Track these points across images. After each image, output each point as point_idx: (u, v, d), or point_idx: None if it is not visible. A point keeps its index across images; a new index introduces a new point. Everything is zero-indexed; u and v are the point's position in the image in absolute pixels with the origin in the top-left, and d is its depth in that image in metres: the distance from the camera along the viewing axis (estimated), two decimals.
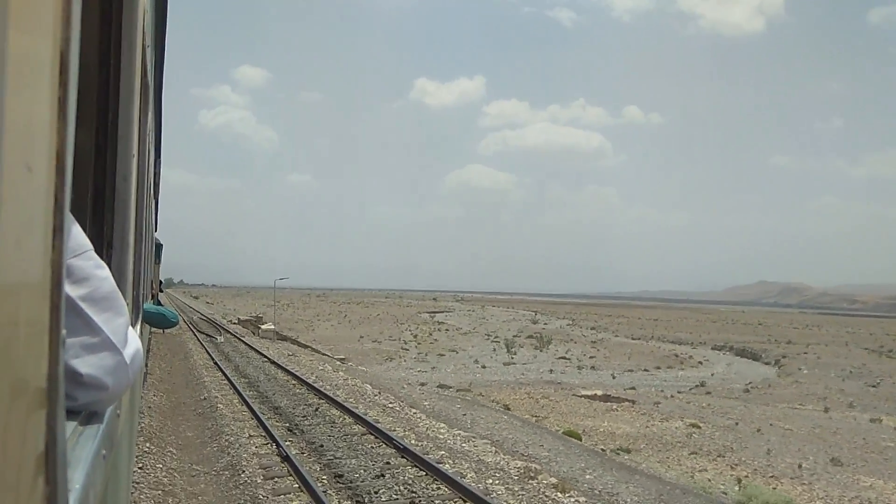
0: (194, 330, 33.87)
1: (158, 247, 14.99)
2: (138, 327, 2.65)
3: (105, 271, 1.27)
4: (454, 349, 52.29)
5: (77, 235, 1.21)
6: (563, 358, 48.15)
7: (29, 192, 0.57)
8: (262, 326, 40.42)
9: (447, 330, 78.12)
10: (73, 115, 0.71)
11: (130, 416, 2.40)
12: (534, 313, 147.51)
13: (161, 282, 22.52)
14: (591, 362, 46.51)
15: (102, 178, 1.98)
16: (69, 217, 0.80)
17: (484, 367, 42.90)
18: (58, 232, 0.67)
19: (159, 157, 7.22)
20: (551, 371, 38.90)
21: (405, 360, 43.64)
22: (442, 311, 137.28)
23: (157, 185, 7.90)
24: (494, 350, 52.42)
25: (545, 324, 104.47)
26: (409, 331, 74.65)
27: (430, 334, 71.35)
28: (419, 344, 57.30)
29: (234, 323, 46.39)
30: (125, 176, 1.99)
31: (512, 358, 48.16)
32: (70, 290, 1.14)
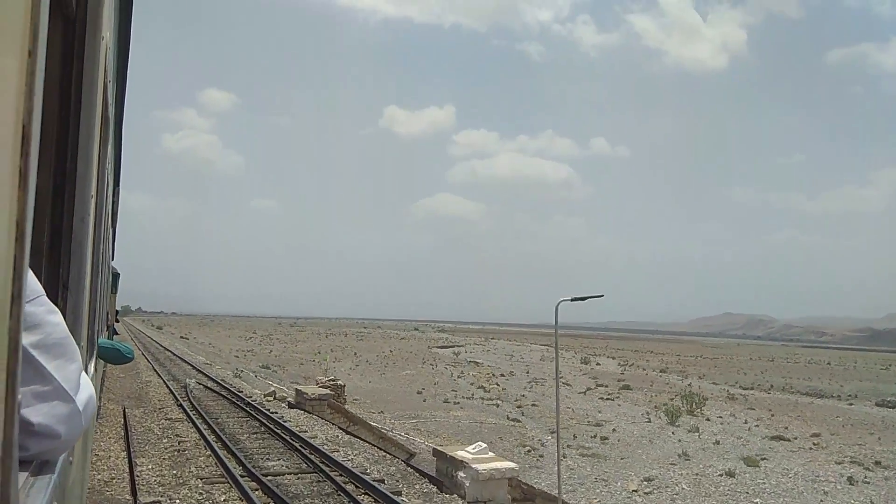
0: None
1: (115, 276, 14.32)
2: (93, 364, 2.62)
3: (57, 317, 1.24)
4: (580, 413, 34.65)
5: (29, 281, 1.14)
6: (780, 438, 30.39)
7: None
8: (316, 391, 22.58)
9: (498, 375, 59.85)
10: (33, 186, 0.72)
11: (83, 462, 2.35)
12: (563, 350, 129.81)
13: (117, 311, 20.60)
14: (827, 443, 29.26)
15: (60, 220, 1.90)
16: (27, 274, 0.81)
17: (686, 456, 24.78)
18: (16, 299, 0.67)
19: (118, 185, 7.00)
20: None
21: (540, 446, 25.34)
22: (452, 346, 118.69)
23: (115, 214, 7.80)
24: (645, 418, 34.47)
25: (597, 363, 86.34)
26: (456, 376, 56.18)
27: (489, 381, 53.16)
28: (501, 401, 39.32)
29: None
30: (83, 217, 1.95)
31: (695, 435, 30.22)
32: (21, 337, 1.13)
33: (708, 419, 35.22)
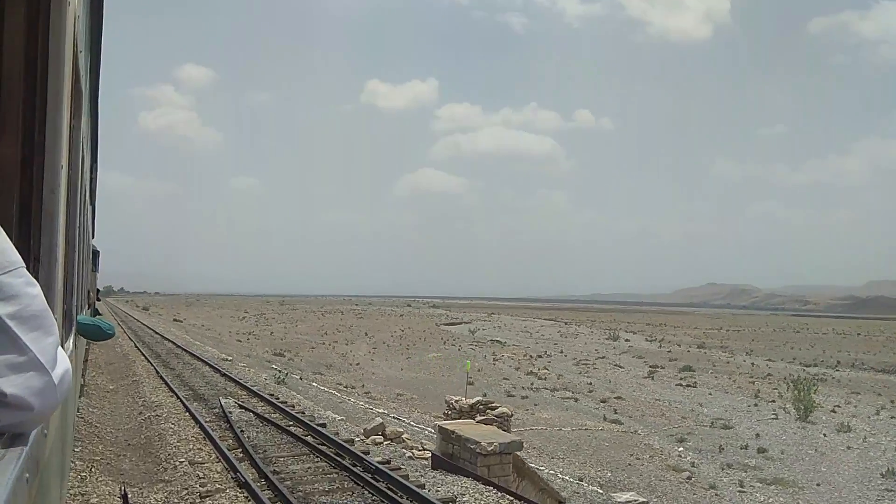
0: None
1: (95, 254, 13.96)
2: (71, 340, 2.55)
3: (36, 289, 1.24)
4: (680, 409, 28.13)
5: (7, 252, 1.20)
6: None
7: None
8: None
9: (534, 357, 53.30)
10: None
11: (62, 435, 2.35)
12: (564, 323, 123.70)
13: (99, 290, 19.22)
14: None
15: (29, 191, 1.87)
16: None
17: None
18: None
19: (95, 162, 6.73)
20: None
21: (690, 467, 18.69)
22: (460, 323, 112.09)
23: (93, 191, 7.56)
24: (762, 411, 28.09)
25: (626, 340, 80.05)
26: (492, 359, 49.56)
27: (531, 364, 46.59)
28: (572, 393, 32.84)
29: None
30: (53, 188, 1.92)
31: (850, 435, 23.81)
32: None
33: (833, 410, 28.98)
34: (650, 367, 48.93)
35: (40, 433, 1.36)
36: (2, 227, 1.28)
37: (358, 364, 42.62)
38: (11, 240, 1.32)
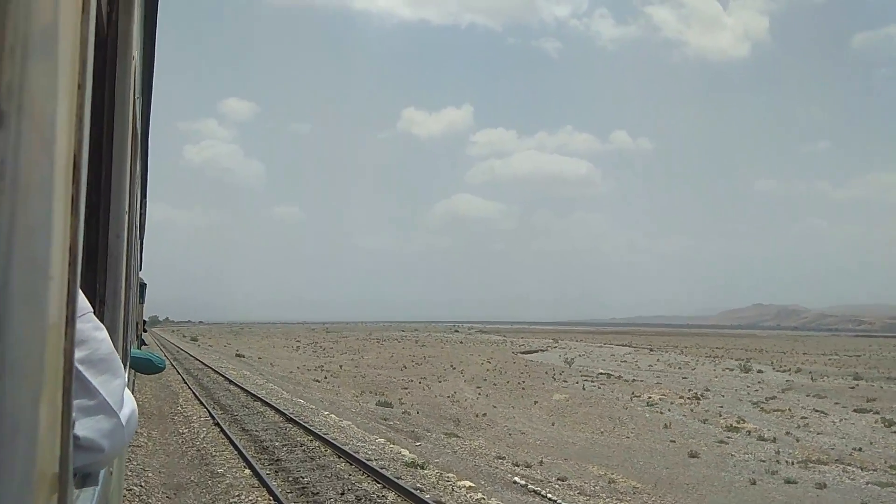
0: None
1: (143, 286, 14.30)
2: (126, 375, 2.54)
3: (103, 333, 1.29)
4: None
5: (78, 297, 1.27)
6: None
7: (45, 292, 0.60)
8: None
9: (687, 397, 41.81)
10: (82, 213, 0.75)
11: (119, 473, 2.34)
12: (647, 349, 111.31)
13: (145, 321, 19.69)
14: None
15: (96, 236, 1.95)
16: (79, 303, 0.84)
17: None
18: (70, 321, 0.70)
19: (145, 197, 7.08)
20: None
21: None
22: (536, 351, 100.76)
23: (142, 226, 7.79)
24: None
25: (759, 371, 67.53)
26: (641, 405, 38.26)
27: (701, 410, 35.24)
28: (843, 465, 21.80)
29: None
30: (118, 233, 2.00)
31: None
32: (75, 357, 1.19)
33: None
34: (857, 410, 37.10)
35: (107, 472, 1.41)
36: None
37: (485, 415, 31.73)
38: (80, 283, 1.27)
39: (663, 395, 42.19)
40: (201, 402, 18.81)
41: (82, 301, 1.22)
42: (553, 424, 30.28)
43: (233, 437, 12.63)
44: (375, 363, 66.68)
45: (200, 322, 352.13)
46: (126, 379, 1.41)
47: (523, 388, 44.21)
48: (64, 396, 0.67)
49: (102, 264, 1.95)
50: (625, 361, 79.98)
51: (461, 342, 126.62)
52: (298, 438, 13.11)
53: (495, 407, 35.60)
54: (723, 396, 43.41)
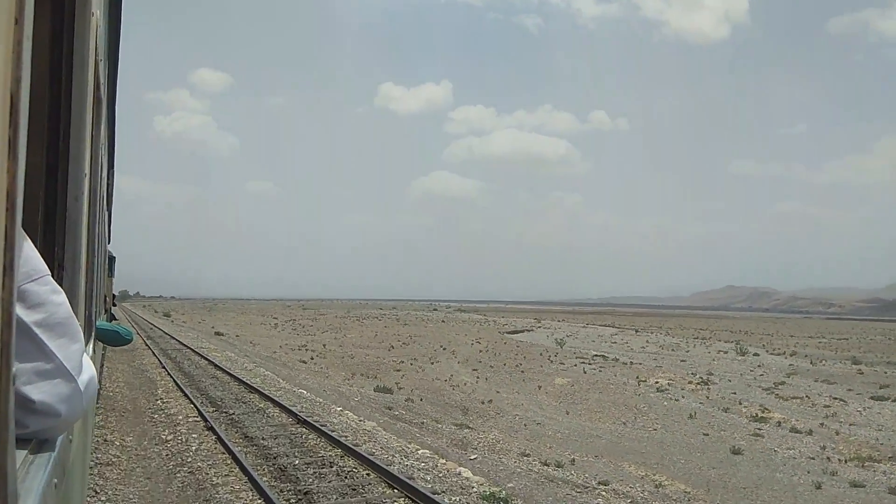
0: None
1: (111, 259, 14.28)
2: (91, 346, 2.47)
3: (61, 297, 1.26)
4: None
5: (34, 260, 1.22)
6: None
7: None
8: None
9: (692, 382, 39.78)
10: (23, 157, 0.73)
11: (83, 442, 2.36)
12: (633, 330, 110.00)
13: (115, 295, 19.49)
14: None
15: (53, 199, 1.91)
16: (22, 243, 0.84)
17: None
18: (7, 270, 0.68)
19: (112, 168, 7.07)
20: None
21: None
22: (522, 331, 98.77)
23: (109, 196, 7.75)
24: None
25: (755, 354, 65.97)
26: (651, 390, 36.09)
27: (718, 396, 33.14)
28: (874, 462, 19.75)
29: None
30: (77, 196, 1.95)
31: None
32: (25, 315, 1.16)
33: None
34: (874, 397, 35.32)
35: (66, 439, 1.39)
36: (28, 234, 1.25)
37: (491, 402, 29.23)
38: (36, 247, 1.30)
39: (671, 379, 40.08)
40: (186, 395, 15.80)
41: (39, 263, 1.21)
42: (567, 413, 27.89)
43: (237, 453, 9.57)
44: (360, 342, 63.92)
45: (172, 297, 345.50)
46: (85, 345, 1.36)
47: (522, 372, 41.80)
48: (2, 350, 0.65)
49: (61, 228, 1.90)
50: (615, 343, 78.20)
51: (443, 321, 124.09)
52: (323, 453, 10.15)
53: (498, 392, 33.12)
54: (730, 381, 41.44)
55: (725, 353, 67.45)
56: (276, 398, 15.88)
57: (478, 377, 39.03)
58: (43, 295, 1.19)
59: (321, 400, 18.69)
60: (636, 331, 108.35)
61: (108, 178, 5.98)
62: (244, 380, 18.94)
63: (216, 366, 22.40)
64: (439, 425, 21.42)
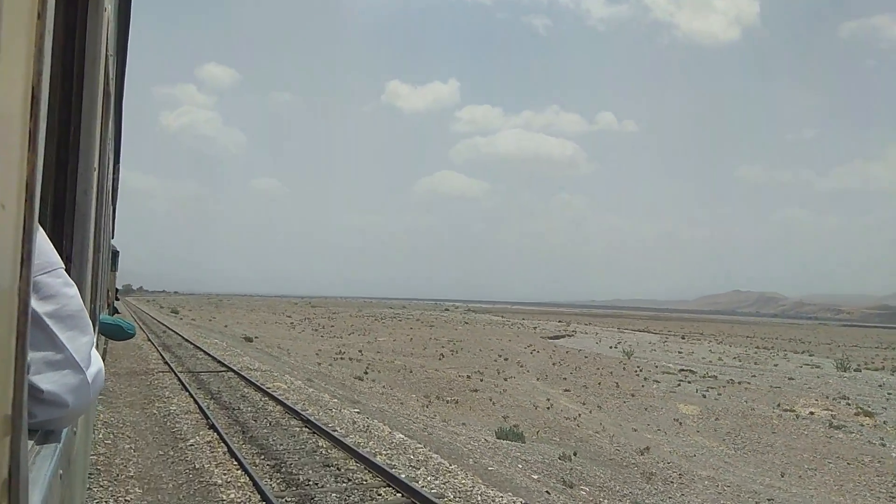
0: None
1: (115, 254, 13.95)
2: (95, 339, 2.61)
3: (73, 290, 1.28)
4: None
5: (47, 253, 1.24)
6: None
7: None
8: None
9: (858, 414, 31.26)
10: (41, 149, 0.73)
11: (85, 434, 2.34)
12: (679, 336, 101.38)
13: (118, 289, 19.28)
14: None
15: (63, 192, 1.93)
16: (37, 235, 0.86)
17: None
18: (25, 261, 0.68)
19: (118, 162, 6.94)
20: None
21: None
22: (561, 336, 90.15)
23: (115, 191, 7.64)
24: None
25: (857, 371, 57.18)
26: (813, 432, 27.57)
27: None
28: None
29: None
30: (86, 189, 1.98)
31: None
32: (37, 305, 1.18)
33: None
34: None
35: (70, 431, 1.39)
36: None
37: (647, 450, 20.66)
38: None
39: (827, 408, 31.50)
40: (251, 478, 7.61)
41: (53, 255, 1.23)
42: (780, 475, 19.30)
43: None
44: (398, 348, 55.38)
45: (175, 293, 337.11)
46: (95, 339, 1.36)
47: (631, 395, 33.23)
48: (18, 339, 0.66)
49: (69, 221, 1.92)
50: (681, 353, 69.39)
51: (465, 323, 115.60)
52: None
53: (635, 430, 24.66)
54: (884, 410, 32.93)
55: (815, 366, 58.87)
56: (419, 489, 7.46)
57: (583, 403, 30.52)
58: (55, 287, 1.20)
59: (455, 468, 10.20)
60: (682, 338, 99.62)
61: (114, 173, 5.79)
62: (355, 450, 10.33)
63: (286, 407, 13.83)
64: (607, 489, 12.95)
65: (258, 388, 15.75)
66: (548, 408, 27.79)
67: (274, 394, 14.83)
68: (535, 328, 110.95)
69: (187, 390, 14.84)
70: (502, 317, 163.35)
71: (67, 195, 1.92)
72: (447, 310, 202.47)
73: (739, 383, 41.55)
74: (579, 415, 26.68)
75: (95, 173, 2.05)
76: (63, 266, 1.26)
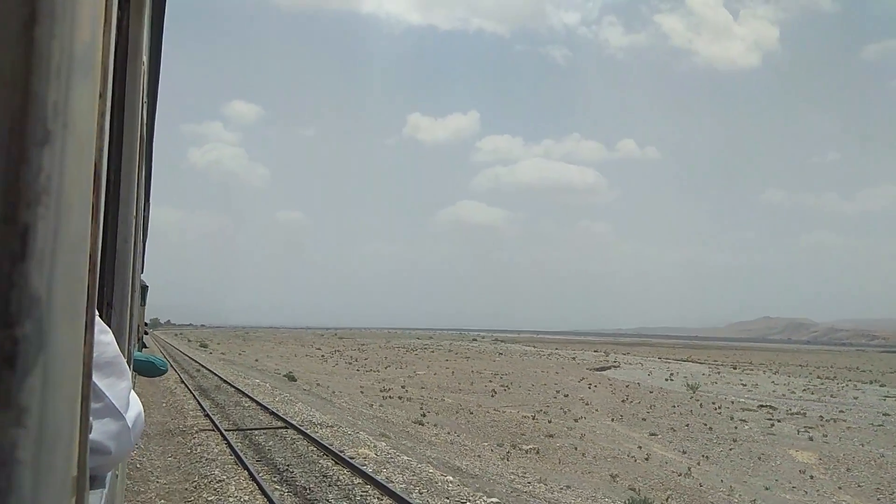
0: None
1: (144, 288, 13.91)
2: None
3: (109, 336, 1.30)
4: None
5: None
6: None
7: (81, 306, 0.61)
8: None
9: None
10: (102, 221, 0.75)
11: (122, 477, 2.38)
12: (729, 367, 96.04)
13: (146, 324, 17.16)
14: None
15: (104, 240, 1.90)
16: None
17: None
18: (89, 326, 0.70)
19: (148, 200, 7.04)
20: None
21: None
22: (606, 368, 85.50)
23: (145, 229, 7.86)
24: None
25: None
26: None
27: None
28: None
29: None
30: (126, 238, 2.00)
31: None
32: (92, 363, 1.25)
33: None
34: None
35: (113, 475, 1.42)
36: None
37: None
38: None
39: None
40: None
41: None
42: None
43: None
44: (442, 383, 51.40)
45: (202, 326, 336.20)
46: (132, 382, 1.40)
47: (734, 441, 28.86)
48: (83, 402, 0.68)
49: (110, 268, 1.95)
50: (745, 385, 64.45)
51: (500, 354, 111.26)
52: None
53: (767, 489, 20.47)
54: None
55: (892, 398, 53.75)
56: None
57: (683, 452, 26.31)
58: (93, 335, 1.19)
59: None
60: (734, 367, 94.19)
61: (144, 212, 5.79)
62: None
63: (377, 486, 10.13)
64: None
65: (339, 459, 11.58)
66: (645, 458, 23.68)
67: (365, 469, 10.84)
68: (573, 358, 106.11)
69: (244, 465, 10.86)
70: (534, 346, 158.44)
71: (108, 244, 1.92)
72: (474, 340, 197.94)
73: (835, 421, 36.98)
74: (689, 469, 22.53)
75: (135, 221, 2.05)
76: (98, 314, 1.22)
